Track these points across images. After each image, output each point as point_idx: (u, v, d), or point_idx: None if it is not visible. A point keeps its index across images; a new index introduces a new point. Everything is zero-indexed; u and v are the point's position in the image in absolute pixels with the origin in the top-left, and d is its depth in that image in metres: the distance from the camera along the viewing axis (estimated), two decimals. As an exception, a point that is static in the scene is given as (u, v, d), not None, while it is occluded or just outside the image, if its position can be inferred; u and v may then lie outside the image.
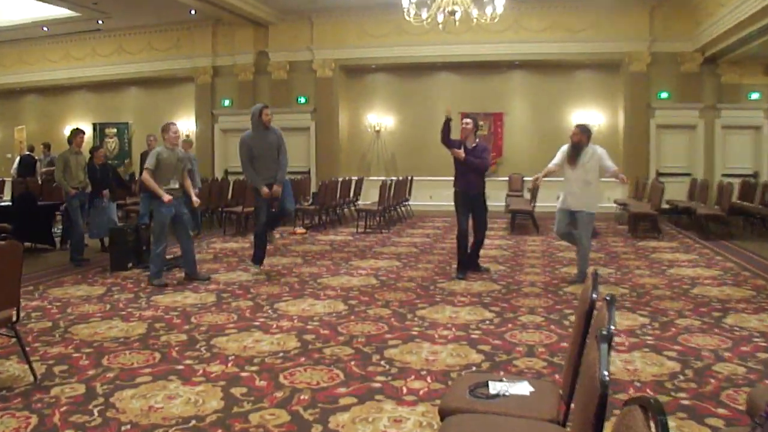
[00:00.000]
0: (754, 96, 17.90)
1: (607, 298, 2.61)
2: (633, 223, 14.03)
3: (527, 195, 17.87)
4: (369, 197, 18.35)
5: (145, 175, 8.60)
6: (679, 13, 17.54)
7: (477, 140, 9.35)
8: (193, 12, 18.61)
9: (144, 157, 13.59)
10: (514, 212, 14.87)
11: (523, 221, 15.20)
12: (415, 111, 20.07)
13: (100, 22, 19.95)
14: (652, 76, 18.17)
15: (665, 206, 14.89)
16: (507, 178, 19.09)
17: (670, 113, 18.19)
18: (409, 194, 17.69)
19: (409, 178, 17.85)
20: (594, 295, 2.95)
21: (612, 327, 2.40)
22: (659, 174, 17.86)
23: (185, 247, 8.95)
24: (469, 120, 9.26)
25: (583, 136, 8.78)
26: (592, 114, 18.96)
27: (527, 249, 11.89)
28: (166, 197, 8.58)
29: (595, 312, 2.89)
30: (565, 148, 8.97)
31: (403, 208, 17.16)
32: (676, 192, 16.50)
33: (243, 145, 9.25)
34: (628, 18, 17.85)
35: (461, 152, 9.10)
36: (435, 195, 19.27)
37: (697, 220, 14.06)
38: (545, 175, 9.22)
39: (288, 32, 19.84)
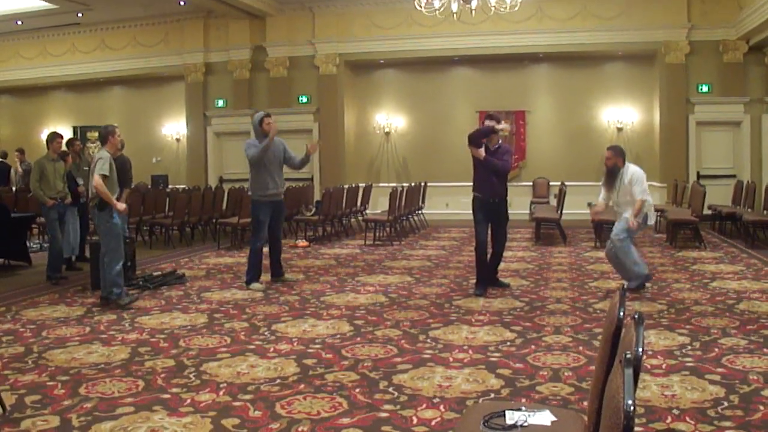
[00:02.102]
0: (806, 87, 17.82)
1: (635, 316, 2.57)
2: (671, 232, 13.95)
3: (553, 201, 17.85)
4: (378, 206, 18.36)
5: (98, 181, 8.42)
6: (719, -2, 17.51)
7: (500, 141, 9.36)
8: (182, 3, 18.68)
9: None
10: (538, 221, 14.81)
11: (548, 230, 15.15)
12: (429, 110, 20.06)
13: (79, 15, 20.03)
14: (691, 68, 18.09)
15: (707, 212, 14.79)
16: (531, 184, 19.07)
17: (712, 108, 18.09)
18: (423, 202, 17.66)
19: (423, 184, 17.80)
20: (621, 313, 2.91)
21: (640, 349, 2.37)
22: (700, 176, 17.79)
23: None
24: (492, 122, 9.25)
25: (618, 159, 9.04)
26: (625, 111, 18.95)
27: (553, 261, 11.85)
28: (121, 206, 8.63)
29: (623, 332, 2.85)
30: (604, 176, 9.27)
31: (415, 218, 17.14)
32: (719, 196, 16.42)
33: (249, 145, 9.85)
34: (664, 3, 17.79)
35: (481, 151, 9.09)
36: (452, 203, 19.25)
37: (743, 227, 13.98)
38: (598, 213, 9.61)
39: (287, 25, 19.89)
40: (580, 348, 6.39)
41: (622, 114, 18.99)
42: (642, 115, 19.00)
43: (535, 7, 17.46)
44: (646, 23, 17.83)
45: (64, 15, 19.97)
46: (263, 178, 9.71)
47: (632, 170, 8.93)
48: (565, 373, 5.65)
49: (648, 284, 9.16)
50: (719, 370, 5.67)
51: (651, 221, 9.42)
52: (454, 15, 13.21)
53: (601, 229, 13.99)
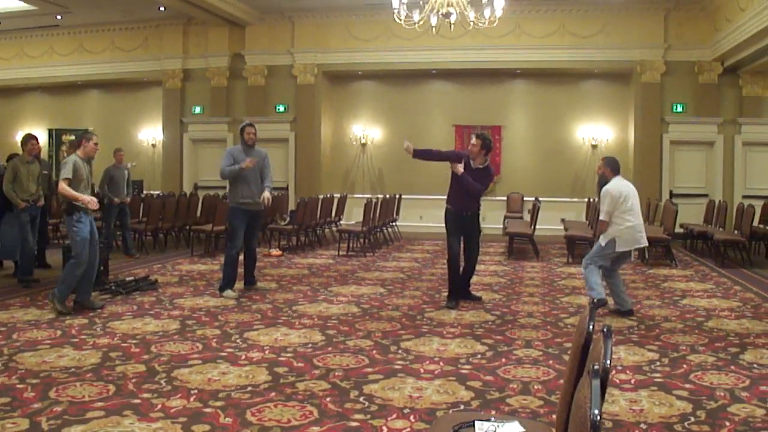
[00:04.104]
0: (779, 110, 18.05)
1: (604, 329, 2.62)
2: (643, 249, 14.03)
3: (527, 216, 17.93)
4: (352, 217, 18.39)
5: (62, 186, 8.33)
6: (696, 19, 17.75)
7: (487, 162, 9.37)
8: (162, 9, 18.63)
9: (109, 173, 13.70)
10: (512, 235, 14.87)
11: (521, 245, 15.24)
12: (405, 123, 20.07)
13: (58, 17, 19.94)
14: (666, 87, 18.31)
15: (679, 230, 14.91)
16: (505, 198, 19.13)
17: (686, 128, 18.31)
18: (397, 214, 17.68)
19: (397, 196, 17.85)
20: (591, 327, 2.96)
21: (608, 361, 2.42)
22: (672, 195, 17.96)
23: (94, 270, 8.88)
24: (476, 141, 9.28)
25: (606, 169, 8.92)
26: (600, 128, 19.11)
27: (525, 276, 11.92)
28: (93, 203, 8.49)
29: (592, 345, 2.89)
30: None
31: (389, 230, 17.16)
32: (691, 215, 16.61)
33: (228, 154, 9.91)
34: (641, 23, 18.00)
35: (460, 167, 9.13)
36: (426, 215, 19.29)
37: (714, 246, 14.12)
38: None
39: (266, 34, 19.92)
40: (550, 362, 6.44)
41: (597, 131, 19.14)
42: (617, 133, 19.17)
43: (513, 24, 17.59)
44: (622, 42, 18.00)
45: (43, 17, 19.86)
46: (239, 186, 9.73)
47: (607, 187, 8.75)
48: (535, 386, 5.69)
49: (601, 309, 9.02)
50: (687, 385, 5.74)
51: (621, 248, 8.76)
52: (433, 29, 13.24)
53: (573, 245, 14.10)
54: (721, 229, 14.79)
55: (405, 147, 9.46)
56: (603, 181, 8.87)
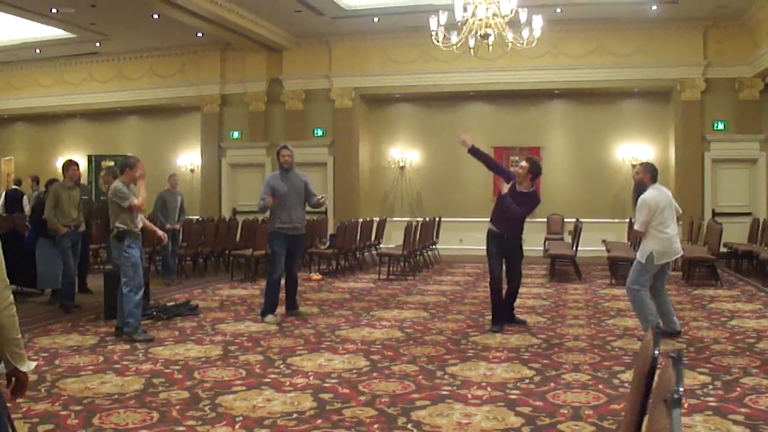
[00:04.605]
0: (822, 126, 17.76)
1: (673, 355, 2.49)
2: (687, 269, 13.82)
3: (567, 238, 17.75)
4: (392, 240, 18.29)
5: (134, 202, 8.57)
6: (736, 35, 17.53)
7: (533, 188, 9.25)
8: (200, 34, 18.76)
9: (162, 198, 13.87)
10: (554, 257, 14.71)
11: (563, 267, 15.06)
12: (443, 145, 19.98)
13: (97, 44, 20.17)
14: (706, 105, 18.08)
15: (722, 249, 14.65)
16: (545, 220, 18.94)
17: (727, 146, 18.07)
18: (437, 237, 17.57)
19: (437, 219, 17.74)
20: (656, 352, 2.83)
21: (681, 389, 2.30)
22: (715, 214, 17.69)
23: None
24: (524, 163, 9.17)
25: (646, 175, 8.60)
26: (641, 148, 18.90)
27: (569, 298, 11.74)
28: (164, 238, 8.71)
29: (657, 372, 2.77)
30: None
31: (429, 253, 17.05)
32: (734, 234, 16.29)
33: (266, 184, 9.95)
34: (680, 41, 17.81)
35: (506, 186, 9.02)
36: (466, 238, 19.12)
37: (759, 266, 13.86)
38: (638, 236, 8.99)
39: (304, 58, 19.99)
40: (600, 386, 6.28)
41: (636, 151, 18.92)
42: (657, 152, 18.92)
43: (551, 44, 17.46)
44: (661, 61, 17.82)
45: (83, 44, 20.12)
46: (279, 211, 9.71)
47: (644, 195, 8.43)
48: (586, 412, 5.54)
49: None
50: (743, 410, 5.56)
51: (660, 261, 8.45)
52: (471, 50, 13.18)
53: (616, 266, 13.90)
54: (767, 248, 14.52)
55: (462, 140, 9.39)
56: (641, 188, 8.57)
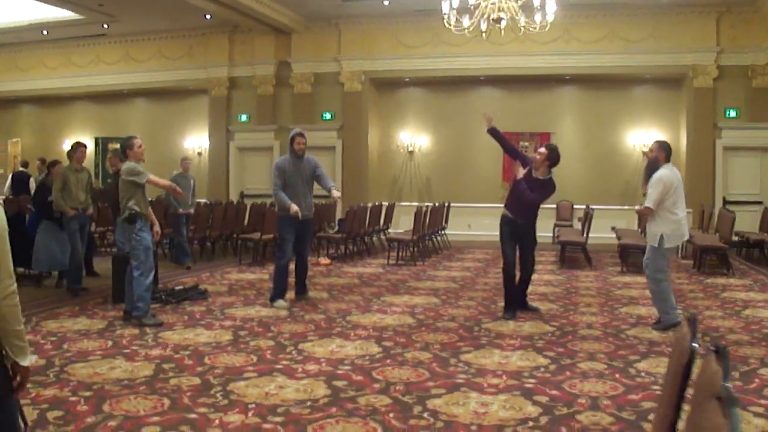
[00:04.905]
0: (835, 113, 17.58)
1: (715, 348, 2.37)
2: (699, 258, 13.69)
3: (577, 224, 17.63)
4: (400, 225, 18.19)
5: (153, 179, 8.67)
6: (749, 21, 17.35)
7: (550, 175, 9.05)
8: (208, 17, 18.62)
9: (176, 182, 13.71)
10: (564, 244, 14.58)
11: (573, 254, 14.93)
12: (453, 130, 19.95)
13: (105, 26, 20.03)
14: (719, 92, 17.93)
15: (733, 238, 14.51)
16: (554, 206, 18.81)
17: (740, 133, 17.93)
18: (446, 222, 17.45)
19: (446, 204, 17.62)
20: (694, 345, 2.71)
21: (729, 385, 2.18)
22: (726, 202, 17.55)
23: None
24: (543, 150, 9.02)
25: (660, 153, 8.30)
26: (652, 134, 18.67)
27: (580, 286, 11.63)
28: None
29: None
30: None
31: (438, 238, 16.93)
32: (745, 222, 16.12)
33: (277, 168, 9.72)
34: (693, 27, 17.65)
35: (522, 171, 8.88)
36: (474, 224, 19.00)
37: (772, 255, 13.80)
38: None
39: (313, 41, 19.85)
40: (617, 375, 6.18)
41: (647, 137, 18.73)
42: (668, 139, 18.24)
43: (562, 29, 17.26)
44: (674, 46, 17.66)
45: (91, 26, 19.99)
46: (290, 197, 9.55)
47: (660, 173, 8.19)
48: (604, 402, 5.43)
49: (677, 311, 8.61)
50: (762, 401, 5.45)
51: (669, 244, 8.27)
52: (483, 34, 13.03)
53: (626, 253, 13.78)
54: (778, 237, 14.41)
55: (488, 117, 9.27)
56: (654, 166, 8.29)
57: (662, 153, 8.35)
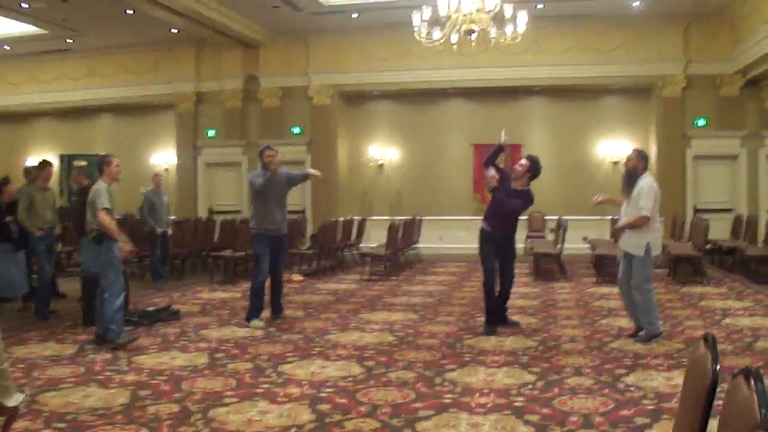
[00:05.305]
0: (802, 122, 17.70)
1: (750, 371, 2.21)
2: (674, 267, 13.67)
3: (549, 236, 17.59)
4: (372, 239, 18.01)
5: (104, 217, 8.04)
6: (717, 32, 17.40)
7: (529, 187, 8.98)
8: (174, 31, 18.36)
9: (150, 200, 13.38)
10: (538, 255, 14.49)
11: (547, 266, 14.84)
12: (423, 142, 19.84)
13: (69, 41, 19.69)
14: (687, 102, 17.99)
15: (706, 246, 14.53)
16: (526, 218, 18.72)
17: (709, 142, 18.01)
18: (418, 236, 17.30)
19: (419, 218, 17.47)
20: (716, 367, 2.55)
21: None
22: (697, 210, 17.60)
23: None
24: (525, 161, 8.92)
25: (639, 162, 8.29)
26: (621, 144, 18.73)
27: (557, 298, 11.53)
28: (126, 247, 8.50)
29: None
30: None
31: (410, 252, 16.75)
32: (716, 230, 16.08)
33: (251, 183, 9.66)
34: (661, 37, 17.68)
35: (494, 175, 8.72)
36: (446, 236, 18.90)
37: (744, 262, 13.76)
38: (607, 200, 8.99)
39: (281, 55, 19.63)
40: (606, 391, 6.05)
41: (618, 148, 18.77)
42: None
43: (531, 40, 17.15)
44: (642, 57, 17.67)
45: (54, 41, 19.62)
46: (263, 211, 9.42)
47: (645, 181, 8.20)
48: (597, 419, 5.30)
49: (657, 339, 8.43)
50: (756, 415, 5.32)
51: (654, 252, 8.35)
52: (454, 46, 12.94)
53: (601, 264, 13.72)
54: (751, 244, 14.42)
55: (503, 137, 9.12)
56: (634, 175, 8.26)
57: (641, 162, 8.35)
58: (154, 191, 13.53)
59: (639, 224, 8.17)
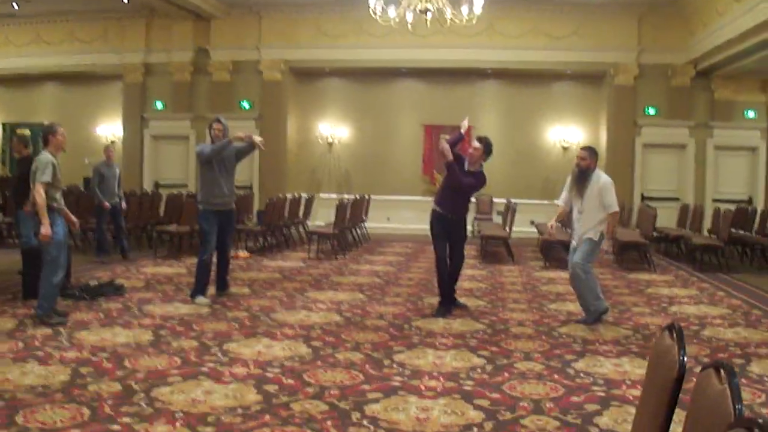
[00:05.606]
0: (750, 114, 17.95)
1: (724, 365, 2.13)
2: (620, 253, 13.76)
3: (496, 218, 17.63)
4: (319, 217, 17.86)
5: (41, 192, 7.61)
6: (670, 22, 17.52)
7: (481, 168, 8.99)
8: (125, 0, 17.91)
9: (99, 172, 13.01)
10: (486, 238, 14.46)
11: (495, 249, 14.83)
12: (374, 122, 19.75)
13: (15, 6, 19.09)
14: (638, 90, 18.15)
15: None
16: (474, 200, 18.69)
17: (658, 131, 18.20)
18: (366, 215, 17.19)
19: (367, 197, 17.35)
20: (684, 359, 2.48)
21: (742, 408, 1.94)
22: (644, 198, 17.76)
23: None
24: (478, 144, 8.91)
25: (592, 159, 8.43)
26: (572, 130, 18.86)
27: (505, 281, 11.51)
28: (75, 223, 8.30)
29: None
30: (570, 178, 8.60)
31: (358, 231, 16.64)
32: (662, 218, 16.23)
33: (200, 153, 9.38)
34: (615, 26, 17.76)
35: (447, 148, 8.66)
36: (394, 216, 18.82)
37: (689, 251, 13.89)
38: (559, 220, 9.14)
39: (233, 28, 19.29)
40: (555, 376, 6.03)
41: (568, 133, 18.86)
42: (588, 135, 18.89)
43: (486, 23, 17.08)
44: (596, 44, 17.74)
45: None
46: (211, 186, 9.19)
47: (605, 178, 8.35)
48: (547, 405, 5.26)
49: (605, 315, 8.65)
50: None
51: (604, 240, 8.61)
52: (409, 25, 12.83)
53: (549, 248, 13.75)
54: (697, 233, 14.56)
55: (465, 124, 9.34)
56: (587, 172, 8.34)
57: (593, 160, 8.51)
58: (106, 163, 13.20)
59: (616, 221, 8.57)
